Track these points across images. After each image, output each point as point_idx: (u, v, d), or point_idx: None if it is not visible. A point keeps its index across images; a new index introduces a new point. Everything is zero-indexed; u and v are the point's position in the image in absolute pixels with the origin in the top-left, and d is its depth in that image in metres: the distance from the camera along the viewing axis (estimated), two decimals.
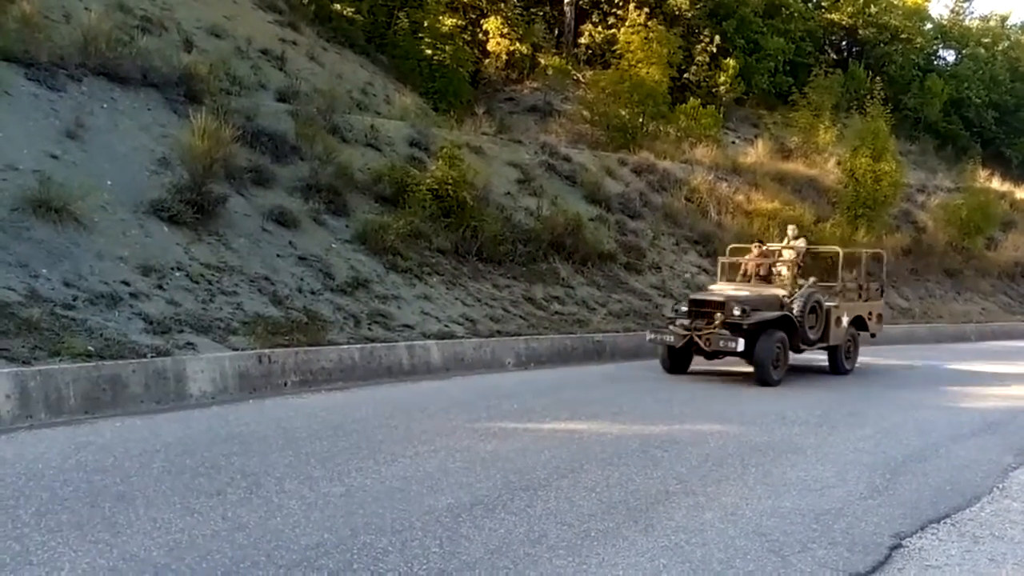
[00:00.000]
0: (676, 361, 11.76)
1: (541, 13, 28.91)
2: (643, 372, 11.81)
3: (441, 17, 23.31)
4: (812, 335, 11.91)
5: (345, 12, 22.31)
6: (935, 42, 38.14)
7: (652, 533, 5.04)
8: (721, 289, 12.33)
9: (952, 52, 38.71)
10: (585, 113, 23.17)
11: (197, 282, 9.83)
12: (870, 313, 13.53)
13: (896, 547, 5.03)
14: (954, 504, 5.94)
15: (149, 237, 10.04)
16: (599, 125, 22.36)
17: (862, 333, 13.43)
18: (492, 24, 27.09)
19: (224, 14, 17.61)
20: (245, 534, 4.68)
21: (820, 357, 13.08)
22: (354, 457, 6.30)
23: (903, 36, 35.02)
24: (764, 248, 13.43)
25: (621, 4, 28.07)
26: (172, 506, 5.04)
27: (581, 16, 29.86)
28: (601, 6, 29.33)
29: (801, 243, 13.64)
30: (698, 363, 12.09)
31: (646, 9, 26.09)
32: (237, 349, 8.83)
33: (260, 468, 5.89)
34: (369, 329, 10.62)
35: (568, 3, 29.69)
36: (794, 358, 12.04)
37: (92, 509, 4.93)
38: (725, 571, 4.54)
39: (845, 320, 12.67)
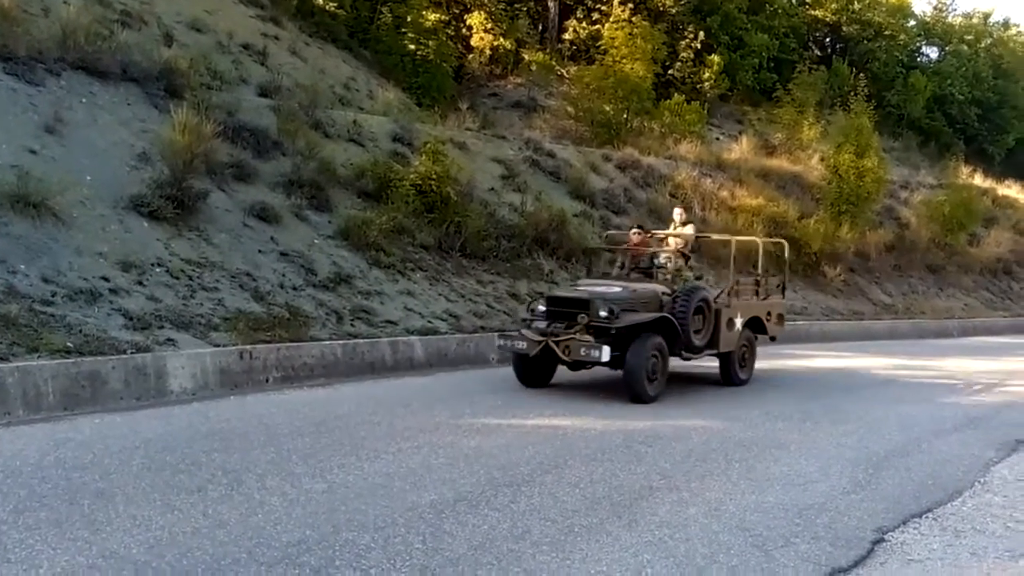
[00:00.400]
0: (532, 372, 9.70)
1: (525, 8, 28.89)
2: None
3: (424, 12, 23.28)
4: (698, 340, 9.86)
5: (328, 7, 22.22)
6: (918, 39, 38.33)
7: (636, 528, 5.03)
8: (589, 285, 10.13)
9: (935, 49, 38.95)
10: (569, 109, 23.17)
11: (177, 278, 9.75)
12: (769, 313, 11.42)
13: (878, 541, 5.06)
14: (936, 498, 5.98)
15: (129, 233, 9.95)
16: (583, 121, 22.36)
17: (760, 336, 11.42)
18: (476, 19, 27.06)
19: (205, 8, 17.47)
20: (226, 531, 4.64)
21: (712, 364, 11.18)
22: (336, 453, 6.27)
23: (886, 33, 35.22)
24: (646, 236, 11.27)
25: (605, 0, 28.07)
26: (152, 503, 5.00)
27: (565, 12, 29.85)
28: (585, 2, 29.32)
29: (690, 230, 11.64)
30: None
31: (630, 5, 26.06)
32: (218, 345, 8.76)
33: (241, 465, 5.85)
34: (352, 325, 10.57)
35: None
36: (681, 366, 10.62)
37: (71, 506, 4.88)
38: (708, 566, 4.54)
39: (739, 322, 10.59)
